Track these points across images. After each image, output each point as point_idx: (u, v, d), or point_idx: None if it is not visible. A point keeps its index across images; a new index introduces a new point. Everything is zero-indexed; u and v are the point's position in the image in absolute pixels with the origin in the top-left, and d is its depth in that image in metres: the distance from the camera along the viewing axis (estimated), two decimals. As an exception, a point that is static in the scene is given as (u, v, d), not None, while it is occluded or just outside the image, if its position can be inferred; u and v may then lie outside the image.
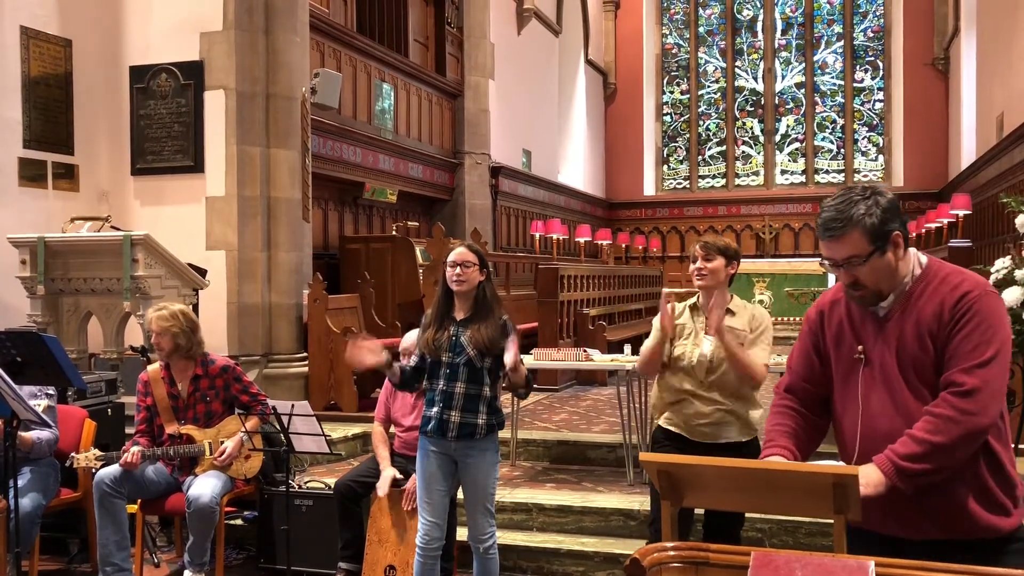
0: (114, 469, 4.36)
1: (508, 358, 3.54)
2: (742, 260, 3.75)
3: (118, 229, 6.22)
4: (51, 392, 4.38)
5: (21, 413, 3.49)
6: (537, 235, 13.81)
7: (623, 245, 18.16)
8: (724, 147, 19.58)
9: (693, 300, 3.71)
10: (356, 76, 9.93)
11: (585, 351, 5.97)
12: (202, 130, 7.05)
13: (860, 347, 2.20)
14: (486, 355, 3.64)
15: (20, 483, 3.98)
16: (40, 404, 4.18)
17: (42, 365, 3.76)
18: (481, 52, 12.50)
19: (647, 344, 3.71)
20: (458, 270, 3.65)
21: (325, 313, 7.18)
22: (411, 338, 4.63)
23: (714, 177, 19.70)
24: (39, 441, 4.28)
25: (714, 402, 3.56)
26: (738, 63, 19.51)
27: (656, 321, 3.68)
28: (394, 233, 9.90)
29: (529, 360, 5.70)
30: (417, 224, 10.68)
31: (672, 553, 1.75)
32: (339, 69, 9.31)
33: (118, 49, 7.30)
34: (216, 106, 7.00)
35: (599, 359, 5.94)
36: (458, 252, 3.69)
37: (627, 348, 6.07)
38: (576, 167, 17.78)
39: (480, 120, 12.50)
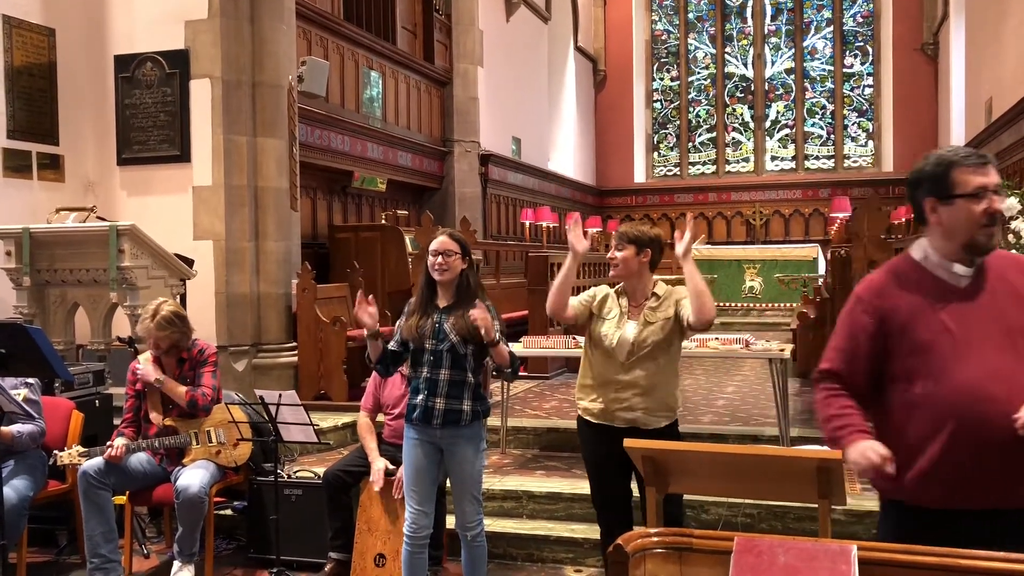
0: (99, 461, 4.34)
1: (475, 312, 3.50)
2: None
3: (104, 219, 6.18)
4: (32, 383, 4.35)
5: (5, 406, 3.47)
6: (527, 223, 13.78)
7: (613, 232, 18.12)
8: (714, 133, 19.55)
9: (620, 286, 3.74)
10: (344, 64, 9.87)
11: (574, 339, 5.96)
12: (188, 119, 7.00)
13: (947, 319, 2.21)
14: (469, 341, 3.64)
15: (4, 474, 3.96)
16: (19, 394, 4.15)
17: (27, 357, 3.73)
18: (470, 39, 12.44)
19: (560, 274, 3.71)
20: (440, 259, 3.65)
21: (314, 303, 7.16)
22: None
23: (704, 164, 19.68)
24: (19, 435, 4.25)
25: (635, 386, 3.56)
26: (728, 49, 19.46)
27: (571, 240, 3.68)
28: (383, 222, 9.87)
29: (518, 348, 5.70)
30: (407, 213, 10.65)
31: (656, 539, 1.74)
32: (326, 57, 9.25)
33: (102, 38, 7.24)
34: (202, 95, 6.95)
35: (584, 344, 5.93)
36: (440, 240, 3.69)
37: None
38: (566, 154, 17.74)
39: (469, 108, 12.44)
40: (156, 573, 4.63)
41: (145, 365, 4.48)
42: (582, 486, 5.05)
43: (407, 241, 9.21)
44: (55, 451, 4.29)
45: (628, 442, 2.06)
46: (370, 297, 3.70)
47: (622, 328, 3.60)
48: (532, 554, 4.72)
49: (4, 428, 3.92)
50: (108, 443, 4.40)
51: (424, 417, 3.65)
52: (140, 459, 4.50)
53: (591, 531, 4.71)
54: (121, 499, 4.53)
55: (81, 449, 4.29)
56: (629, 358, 3.56)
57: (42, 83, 6.91)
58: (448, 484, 4.05)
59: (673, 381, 3.67)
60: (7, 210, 6.39)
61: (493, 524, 4.65)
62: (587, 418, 3.67)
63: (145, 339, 4.50)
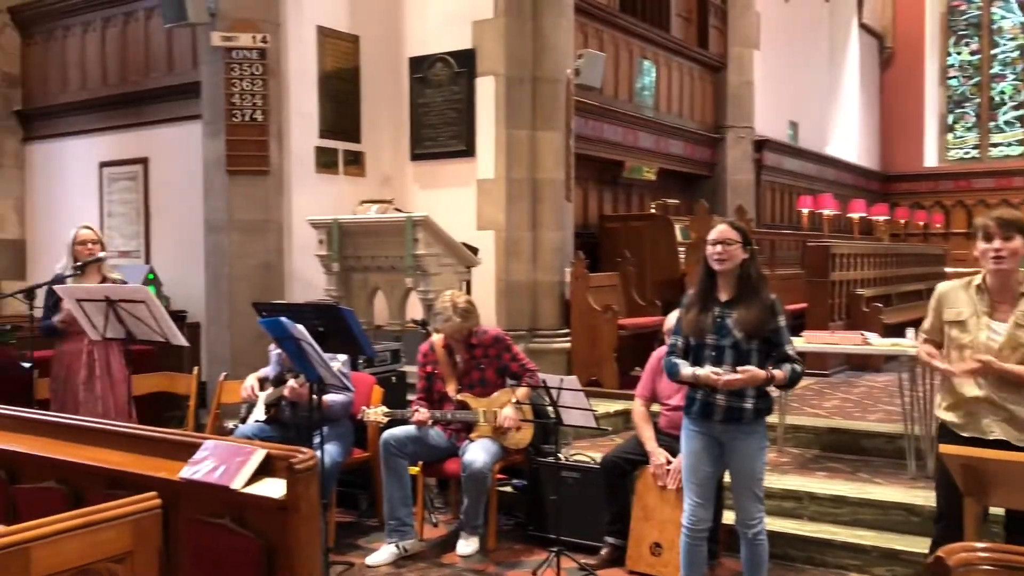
0: (399, 431, 4.73)
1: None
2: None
3: (401, 211, 6.69)
4: (344, 358, 4.81)
5: (327, 378, 3.87)
6: (805, 211, 13.14)
7: (901, 221, 16.84)
8: (1022, 111, 17.52)
9: (978, 280, 3.32)
10: (618, 55, 9.95)
11: (862, 335, 5.62)
12: (474, 116, 7.40)
13: None
14: (753, 337, 3.52)
15: (318, 440, 4.40)
16: (336, 366, 4.60)
17: (340, 335, 4.13)
18: (746, 23, 12.07)
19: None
20: (719, 248, 3.55)
21: (587, 291, 7.31)
22: (674, 319, 4.59)
23: (1009, 145, 17.72)
24: (334, 404, 4.72)
25: (1008, 395, 3.17)
26: (1041, 15, 17.36)
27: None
28: (653, 211, 9.85)
29: (799, 343, 5.45)
30: (677, 202, 10.54)
31: (983, 555, 1.60)
32: (601, 49, 9.37)
33: (399, 42, 7.83)
34: (486, 92, 7.32)
35: (878, 343, 5.56)
36: (719, 229, 3.60)
37: (909, 332, 5.63)
38: (847, 138, 16.69)
39: (743, 93, 12.08)
40: (444, 542, 4.94)
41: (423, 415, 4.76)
42: (869, 491, 4.79)
43: (677, 230, 9.14)
44: (363, 407, 4.70)
45: (944, 448, 1.91)
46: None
47: (985, 330, 3.25)
48: (813, 557, 4.52)
49: (324, 397, 4.36)
50: (413, 408, 4.79)
51: (704, 412, 3.60)
52: (434, 432, 4.84)
53: (880, 539, 4.45)
54: (414, 470, 4.89)
55: (386, 409, 4.67)
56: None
57: (348, 86, 7.59)
58: (727, 478, 3.97)
59: None
60: (319, 202, 7.09)
61: (771, 523, 4.47)
62: (954, 430, 3.32)
63: (449, 334, 4.81)
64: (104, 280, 4.93)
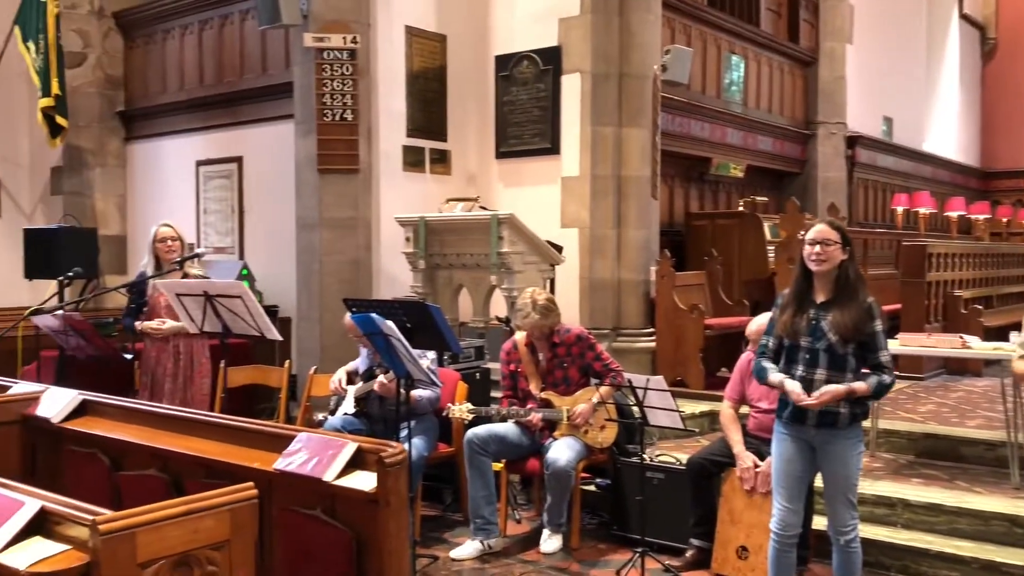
0: (482, 430, 4.77)
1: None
2: None
3: (486, 209, 6.73)
4: (432, 355, 4.87)
5: (415, 373, 3.92)
6: (900, 209, 12.72)
7: (1003, 219, 16.12)
8: None
9: None
10: (706, 50, 9.80)
11: (962, 338, 5.41)
12: (559, 113, 7.39)
13: None
14: (848, 341, 3.42)
15: (404, 434, 4.46)
16: (424, 362, 4.67)
17: (427, 331, 4.18)
18: (839, 15, 11.73)
19: None
20: (817, 248, 3.46)
21: (672, 290, 7.22)
22: (760, 321, 4.50)
23: (1124, 140, 16.79)
24: (421, 399, 4.79)
25: None
26: None
27: None
28: (741, 208, 9.66)
29: (895, 345, 5.29)
30: (766, 199, 10.33)
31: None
32: (689, 44, 9.23)
33: (485, 40, 7.87)
34: (572, 89, 7.30)
35: (978, 347, 5.35)
36: (818, 229, 3.51)
37: (1013, 336, 5.39)
38: (945, 134, 16.07)
39: (835, 88, 11.75)
40: (527, 538, 4.95)
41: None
42: (968, 500, 4.62)
43: (766, 229, 8.94)
44: (448, 404, 4.76)
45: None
46: None
47: None
48: (907, 566, 4.37)
49: (412, 392, 4.43)
50: (498, 406, 4.84)
51: (796, 417, 3.52)
52: (516, 430, 4.86)
53: (980, 550, 4.28)
54: (498, 466, 4.92)
55: (471, 406, 4.72)
56: None
57: (435, 85, 7.67)
58: (818, 483, 3.88)
59: None
60: (406, 200, 7.19)
61: (863, 530, 4.35)
62: None
63: (529, 331, 4.83)
64: (186, 276, 5.09)
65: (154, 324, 5.05)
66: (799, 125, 11.59)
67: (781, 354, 3.57)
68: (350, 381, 4.98)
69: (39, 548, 2.05)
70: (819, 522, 4.20)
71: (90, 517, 2.01)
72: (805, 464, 3.59)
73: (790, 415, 3.53)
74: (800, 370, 3.48)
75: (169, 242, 5.15)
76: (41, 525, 2.12)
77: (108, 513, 2.03)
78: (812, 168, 11.63)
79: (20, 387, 3.84)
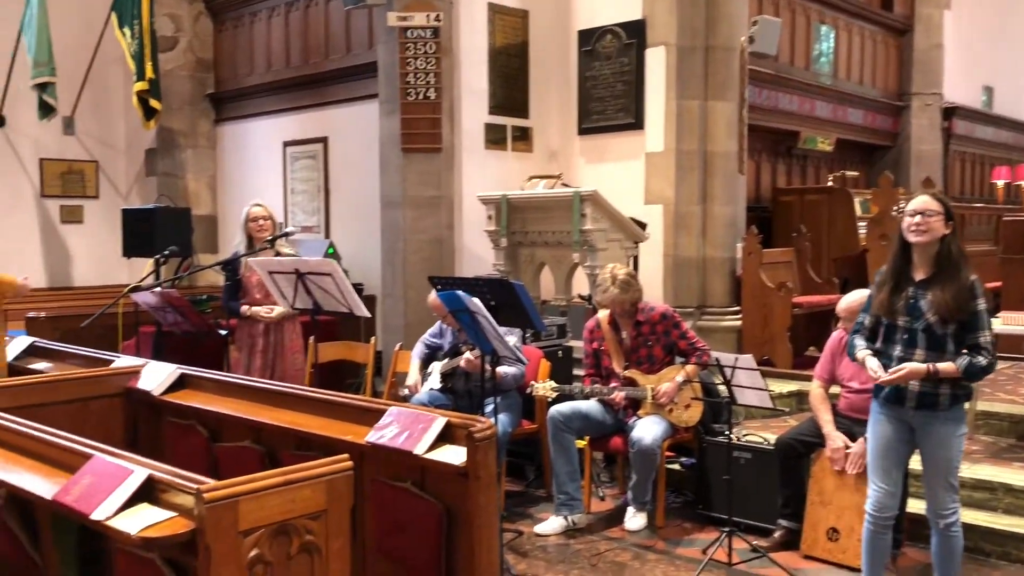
0: (565, 407, 4.77)
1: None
2: None
3: (568, 186, 6.69)
4: (518, 333, 4.88)
5: (500, 350, 3.94)
6: (1000, 183, 12.18)
7: None
8: None
9: None
10: (794, 20, 9.52)
11: (1068, 316, 5.16)
12: (643, 87, 7.27)
13: None
14: (948, 321, 3.29)
15: (489, 410, 4.49)
16: (511, 340, 4.69)
17: (511, 308, 4.18)
18: (937, -20, 11.26)
19: None
20: (918, 218, 3.31)
21: (759, 267, 7.07)
22: (851, 299, 4.37)
23: None
24: (507, 375, 4.81)
25: None
26: None
27: None
28: (830, 183, 9.39)
29: (997, 324, 5.07)
30: (856, 174, 10.01)
31: None
32: (777, 14, 8.99)
33: (567, 15, 7.79)
34: (656, 62, 7.17)
35: (1087, 326, 5.10)
36: (920, 200, 3.36)
37: (1126, 315, 5.12)
38: (1051, 103, 15.29)
39: (931, 57, 11.29)
40: (611, 516, 4.95)
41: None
42: (1075, 486, 4.41)
43: (856, 204, 8.69)
44: (532, 382, 4.77)
45: None
46: None
47: None
48: (1009, 553, 4.22)
49: (497, 368, 4.46)
50: (581, 384, 4.84)
51: (895, 398, 3.40)
52: (600, 408, 4.84)
53: (1087, 539, 4.09)
54: (581, 443, 4.92)
55: (554, 384, 4.71)
56: None
57: (516, 62, 7.64)
58: (914, 464, 3.76)
59: None
60: (488, 178, 7.20)
61: (963, 514, 4.21)
62: None
63: (609, 306, 4.80)
64: (278, 255, 5.20)
65: (263, 310, 5.20)
66: (892, 96, 11.19)
67: (878, 333, 3.46)
68: (427, 362, 5.07)
69: (147, 514, 2.13)
70: (914, 505, 4.08)
71: (195, 486, 2.08)
72: (903, 445, 3.48)
73: (888, 395, 3.42)
74: (898, 350, 3.36)
75: (261, 221, 5.27)
76: (148, 493, 2.20)
77: (212, 482, 2.09)
78: (905, 141, 11.23)
79: (122, 361, 3.99)
